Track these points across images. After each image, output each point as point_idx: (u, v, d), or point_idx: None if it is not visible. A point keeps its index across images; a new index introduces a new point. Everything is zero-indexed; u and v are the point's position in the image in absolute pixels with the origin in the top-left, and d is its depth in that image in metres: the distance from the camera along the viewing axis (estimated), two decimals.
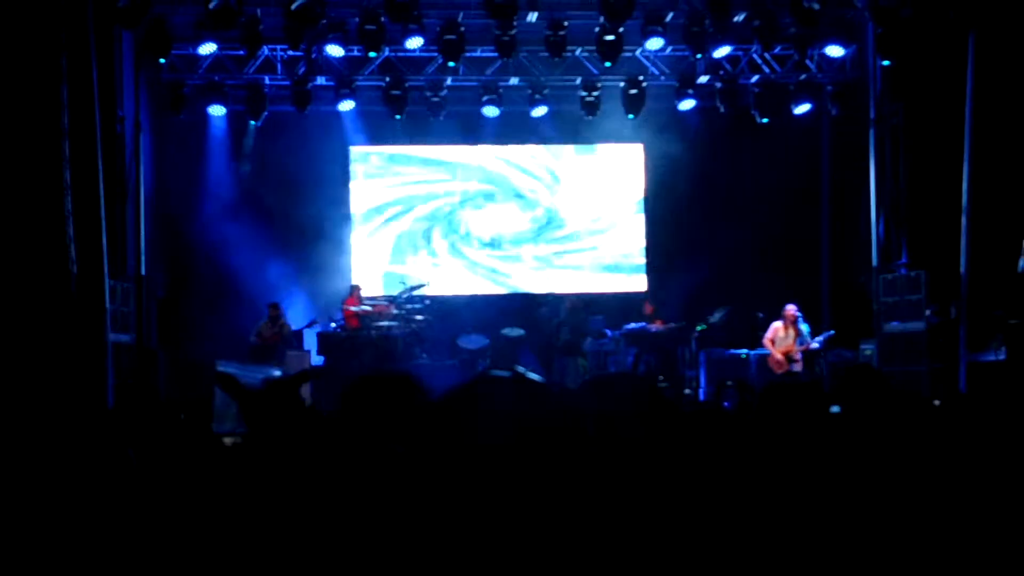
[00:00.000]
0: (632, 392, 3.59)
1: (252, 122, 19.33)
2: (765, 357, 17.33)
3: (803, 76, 19.54)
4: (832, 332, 17.83)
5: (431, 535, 1.78)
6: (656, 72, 19.70)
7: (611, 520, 2.93)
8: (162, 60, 17.74)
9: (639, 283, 20.74)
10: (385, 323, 17.91)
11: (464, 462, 1.74)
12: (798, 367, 16.83)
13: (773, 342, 16.99)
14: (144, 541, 3.10)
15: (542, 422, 1.80)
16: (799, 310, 17.18)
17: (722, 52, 18.50)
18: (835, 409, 4.57)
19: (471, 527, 1.74)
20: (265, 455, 2.01)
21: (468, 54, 18.40)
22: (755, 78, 19.67)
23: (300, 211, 19.66)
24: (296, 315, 18.03)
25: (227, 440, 2.45)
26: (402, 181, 20.94)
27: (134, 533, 3.09)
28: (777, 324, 17.02)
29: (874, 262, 18.59)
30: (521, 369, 1.82)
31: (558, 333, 17.93)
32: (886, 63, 17.68)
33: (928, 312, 16.91)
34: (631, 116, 19.43)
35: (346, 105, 19.20)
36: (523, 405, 1.79)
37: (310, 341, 18.46)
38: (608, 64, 18.13)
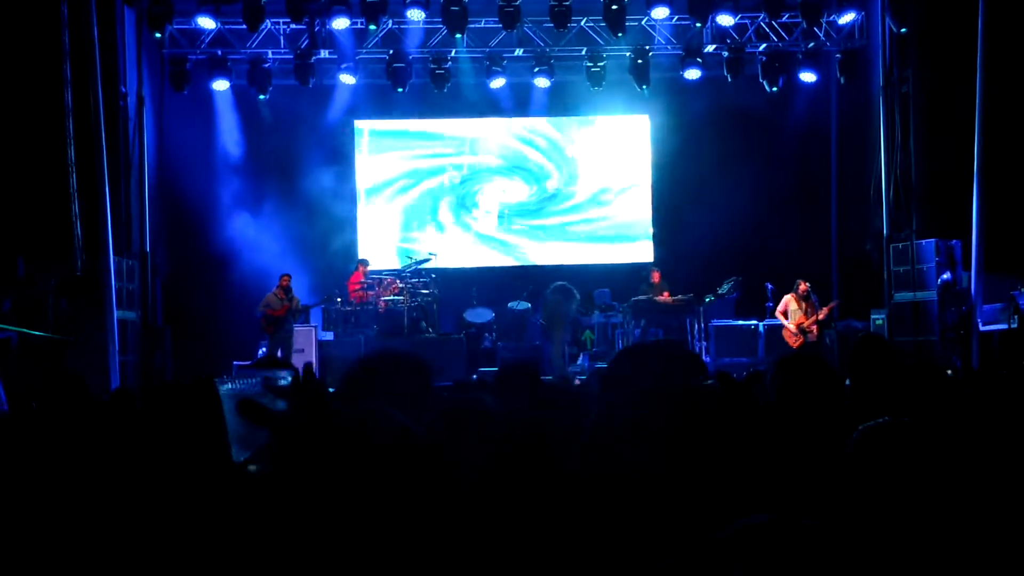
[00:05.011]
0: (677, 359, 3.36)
1: (260, 96, 19.11)
2: (775, 328, 17.21)
3: (811, 44, 19.37)
4: (835, 303, 17.62)
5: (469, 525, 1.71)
6: (663, 42, 19.53)
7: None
8: (157, 34, 17.63)
9: (646, 254, 20.61)
10: (391, 297, 17.86)
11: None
12: (812, 338, 16.72)
13: (785, 314, 16.83)
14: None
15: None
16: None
17: (726, 20, 18.30)
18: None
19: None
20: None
21: (472, 25, 18.25)
22: (762, 46, 19.50)
23: (305, 186, 19.55)
24: (302, 291, 17.92)
25: (251, 468, 2.30)
26: (407, 155, 20.81)
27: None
28: (788, 297, 16.87)
29: (884, 231, 18.43)
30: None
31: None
32: (901, 30, 17.41)
33: (939, 281, 16.79)
34: (644, 88, 19.26)
35: (349, 78, 19.06)
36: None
37: (316, 316, 18.42)
38: (620, 35, 17.95)
